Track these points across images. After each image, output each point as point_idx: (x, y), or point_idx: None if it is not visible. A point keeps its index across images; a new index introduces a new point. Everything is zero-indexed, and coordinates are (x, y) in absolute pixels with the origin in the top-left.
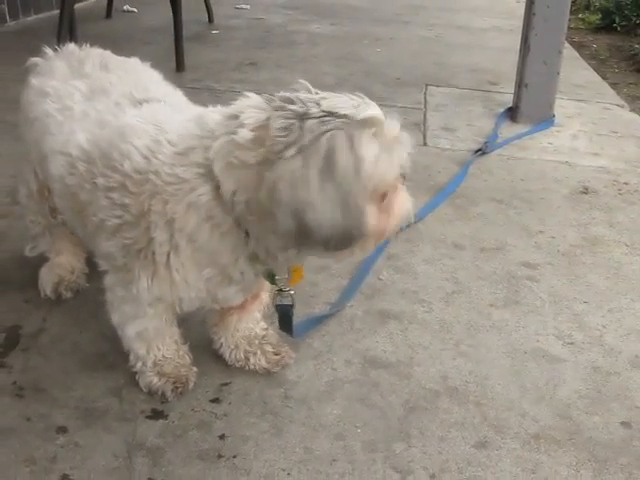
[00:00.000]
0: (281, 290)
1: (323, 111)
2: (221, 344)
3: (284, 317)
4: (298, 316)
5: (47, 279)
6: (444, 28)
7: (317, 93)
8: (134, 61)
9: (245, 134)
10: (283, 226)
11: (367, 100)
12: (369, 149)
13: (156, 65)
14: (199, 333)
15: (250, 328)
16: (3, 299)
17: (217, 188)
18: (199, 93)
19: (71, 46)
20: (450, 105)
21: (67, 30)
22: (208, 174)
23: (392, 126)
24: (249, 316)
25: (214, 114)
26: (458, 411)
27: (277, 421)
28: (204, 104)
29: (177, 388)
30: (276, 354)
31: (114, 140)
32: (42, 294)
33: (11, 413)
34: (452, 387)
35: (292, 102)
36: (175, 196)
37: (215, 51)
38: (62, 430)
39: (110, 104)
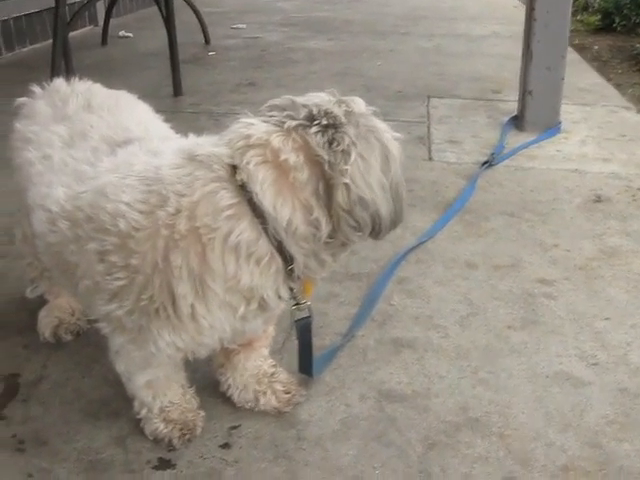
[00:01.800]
0: (298, 304)
1: (343, 115)
2: (229, 385)
3: (304, 336)
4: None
5: (46, 322)
6: (444, 38)
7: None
8: (120, 95)
9: (293, 157)
10: (362, 222)
11: (335, 93)
12: (395, 135)
13: (154, 91)
14: (205, 374)
15: (258, 366)
16: (1, 345)
17: (252, 223)
18: (198, 118)
19: (57, 82)
20: (454, 117)
21: (61, 60)
22: (239, 212)
23: None
24: (256, 353)
25: (213, 149)
26: (481, 444)
27: (291, 465)
28: (203, 128)
29: (184, 435)
30: (287, 392)
31: (97, 201)
32: (41, 338)
33: (12, 470)
34: (473, 418)
35: (294, 117)
36: (207, 245)
37: (213, 73)
38: None
39: (87, 151)
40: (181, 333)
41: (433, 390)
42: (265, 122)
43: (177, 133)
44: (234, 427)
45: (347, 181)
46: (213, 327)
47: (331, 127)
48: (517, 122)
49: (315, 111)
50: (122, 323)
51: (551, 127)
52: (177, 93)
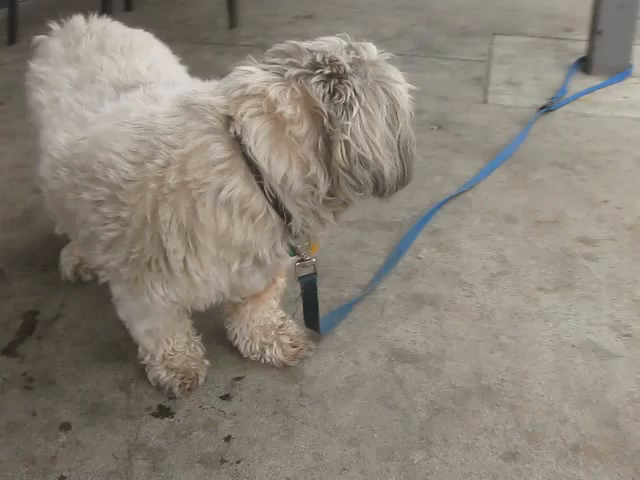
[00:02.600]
0: (303, 260)
1: (350, 63)
2: (235, 335)
3: (309, 293)
4: (325, 301)
5: (67, 261)
6: None
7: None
8: (136, 35)
9: (290, 109)
10: (362, 181)
11: (350, 38)
12: (405, 86)
13: (209, 22)
14: (216, 322)
15: (266, 318)
16: (26, 281)
17: (246, 178)
18: (250, 50)
19: (75, 20)
20: (517, 56)
21: None
22: (232, 167)
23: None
24: (265, 305)
25: (208, 98)
26: (489, 414)
27: (288, 422)
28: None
29: (185, 384)
30: (294, 346)
31: (91, 149)
32: (62, 276)
33: (18, 406)
34: (485, 386)
35: (297, 65)
36: (197, 200)
37: (272, 4)
38: (65, 427)
39: (94, 95)
40: (174, 287)
41: (448, 352)
42: (265, 70)
43: (231, 66)
44: (238, 378)
45: (347, 138)
46: (207, 282)
47: (334, 77)
48: (584, 64)
49: (319, 58)
50: (118, 273)
51: (621, 71)
52: (232, 25)
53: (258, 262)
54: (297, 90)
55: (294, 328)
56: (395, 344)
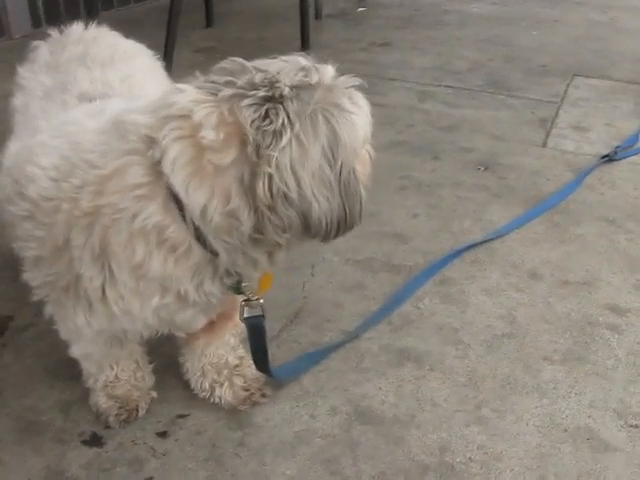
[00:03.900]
0: (249, 300)
1: (293, 86)
2: (187, 369)
3: (255, 336)
4: (301, 344)
5: None
6: (622, 11)
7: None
8: (122, 46)
9: (212, 134)
10: (287, 221)
11: (305, 59)
12: (361, 117)
13: (283, 43)
14: (172, 351)
15: (220, 354)
16: (11, 285)
17: (166, 206)
18: None
19: (73, 27)
20: (593, 100)
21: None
22: (151, 193)
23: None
24: (220, 340)
25: (135, 116)
26: None
27: (218, 472)
28: None
29: (122, 414)
30: (246, 389)
31: (24, 160)
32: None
33: None
34: (448, 464)
35: (234, 84)
36: (111, 227)
37: (352, 30)
38: None
39: (57, 105)
40: (95, 315)
41: (418, 419)
42: (198, 88)
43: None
44: (181, 415)
45: (270, 170)
46: (129, 313)
47: (270, 100)
48: None
49: (258, 79)
50: (44, 294)
51: None
52: (304, 47)
53: (182, 299)
54: (226, 113)
55: (251, 370)
56: (361, 401)
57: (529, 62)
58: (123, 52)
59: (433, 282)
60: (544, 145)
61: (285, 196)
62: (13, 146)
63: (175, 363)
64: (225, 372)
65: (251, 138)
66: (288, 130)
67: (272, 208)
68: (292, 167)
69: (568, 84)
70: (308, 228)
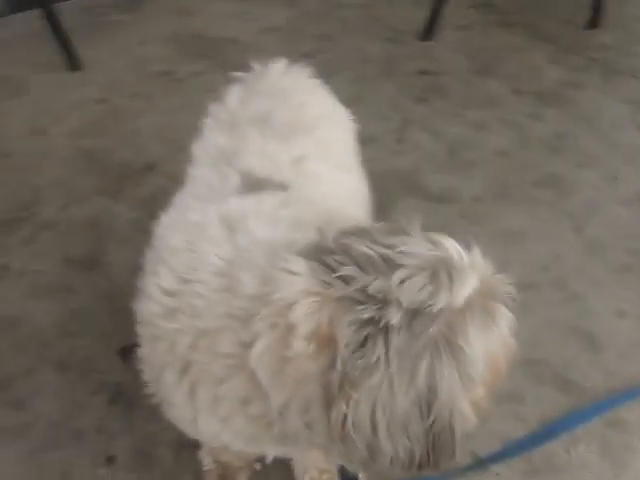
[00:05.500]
0: None
1: (409, 310)
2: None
3: None
4: None
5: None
6: None
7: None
8: (314, 111)
9: (301, 345)
10: (353, 450)
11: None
12: (481, 351)
13: (566, 20)
14: None
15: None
16: None
17: (252, 379)
18: (594, 67)
19: (272, 66)
20: None
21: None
22: (240, 363)
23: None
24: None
25: (246, 276)
26: None
27: None
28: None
29: None
30: None
31: (153, 257)
32: None
33: None
34: None
35: (347, 284)
36: (199, 383)
37: None
38: None
39: (218, 178)
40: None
41: None
42: (313, 271)
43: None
44: None
45: (345, 411)
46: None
47: (373, 323)
48: None
49: (373, 289)
50: None
51: None
52: (592, 25)
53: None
54: (324, 324)
55: None
56: None
57: None
58: (308, 119)
59: (601, 421)
60: None
61: (356, 430)
62: (165, 218)
63: None
64: (325, 477)
65: (339, 362)
66: (382, 369)
67: (341, 437)
68: (372, 413)
69: None
70: (374, 462)
